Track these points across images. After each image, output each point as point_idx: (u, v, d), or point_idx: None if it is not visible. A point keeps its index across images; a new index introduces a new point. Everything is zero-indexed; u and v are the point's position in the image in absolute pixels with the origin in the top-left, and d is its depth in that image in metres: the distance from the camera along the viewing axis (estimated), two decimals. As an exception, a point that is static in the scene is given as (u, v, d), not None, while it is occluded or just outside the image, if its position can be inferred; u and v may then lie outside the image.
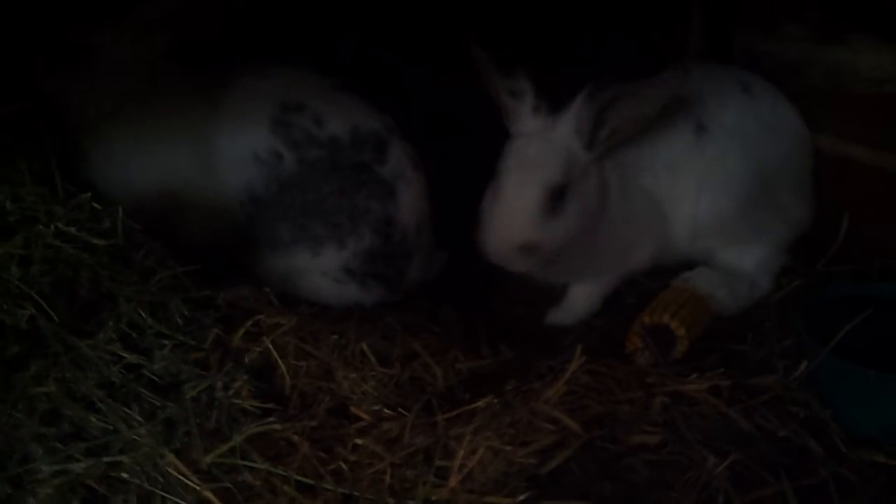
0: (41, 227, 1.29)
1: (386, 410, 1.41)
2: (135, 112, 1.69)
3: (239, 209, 1.71)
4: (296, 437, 1.31)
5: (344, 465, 1.38)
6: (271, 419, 1.31)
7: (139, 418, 1.18)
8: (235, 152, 1.69)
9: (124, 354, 1.30)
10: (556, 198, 1.62)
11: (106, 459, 1.11)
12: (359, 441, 1.34)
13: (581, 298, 1.91)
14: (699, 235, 1.88)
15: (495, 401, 1.44)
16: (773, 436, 1.49)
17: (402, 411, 1.42)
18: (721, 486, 1.36)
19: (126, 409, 1.18)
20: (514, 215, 1.60)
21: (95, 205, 1.41)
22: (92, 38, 1.67)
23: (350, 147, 1.71)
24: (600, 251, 1.77)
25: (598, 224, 1.72)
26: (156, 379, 1.31)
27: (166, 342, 1.38)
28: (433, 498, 1.38)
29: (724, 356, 1.66)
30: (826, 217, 2.01)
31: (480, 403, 1.43)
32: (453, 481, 1.39)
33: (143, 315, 1.36)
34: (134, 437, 1.14)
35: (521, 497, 1.37)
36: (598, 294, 1.90)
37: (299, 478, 1.32)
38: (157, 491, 1.17)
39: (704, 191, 1.84)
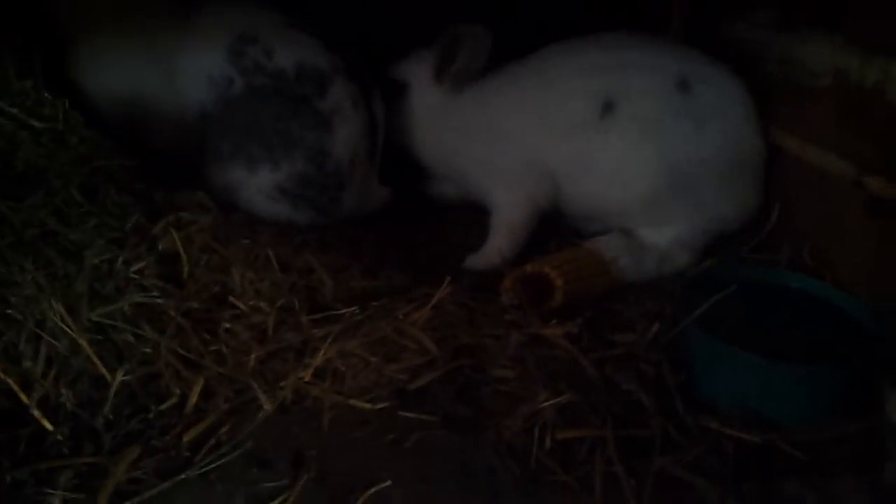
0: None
1: (262, 305, 1.60)
2: (114, 23, 1.91)
3: (193, 123, 1.93)
4: (172, 313, 1.53)
5: (225, 349, 1.60)
6: (155, 293, 1.52)
7: (30, 268, 1.41)
8: (194, 73, 1.90)
9: (48, 222, 1.54)
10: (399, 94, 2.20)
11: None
12: (228, 325, 1.54)
13: (493, 245, 2.05)
14: (604, 215, 2.04)
15: (357, 312, 1.61)
16: (616, 387, 1.61)
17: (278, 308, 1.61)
18: (548, 417, 1.50)
19: (21, 260, 1.42)
20: None
21: (44, 93, 1.64)
22: None
23: (293, 80, 1.89)
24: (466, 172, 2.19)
25: (454, 144, 2.17)
26: (70, 248, 1.55)
27: (92, 220, 1.61)
28: (303, 391, 1.58)
29: (598, 312, 1.78)
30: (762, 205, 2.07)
31: (344, 311, 1.61)
32: (322, 378, 1.58)
33: (76, 193, 1.59)
34: (19, 281, 1.37)
35: (381, 405, 1.56)
36: (509, 244, 2.04)
37: (179, 350, 1.54)
38: (44, 334, 1.40)
39: (610, 181, 1.97)
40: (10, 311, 1.36)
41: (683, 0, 2.30)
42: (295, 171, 1.93)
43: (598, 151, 1.97)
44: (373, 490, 1.37)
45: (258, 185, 1.95)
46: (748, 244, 2.02)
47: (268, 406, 1.52)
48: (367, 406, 1.55)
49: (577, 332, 1.64)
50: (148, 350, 1.52)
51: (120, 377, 1.41)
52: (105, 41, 1.92)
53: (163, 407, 1.48)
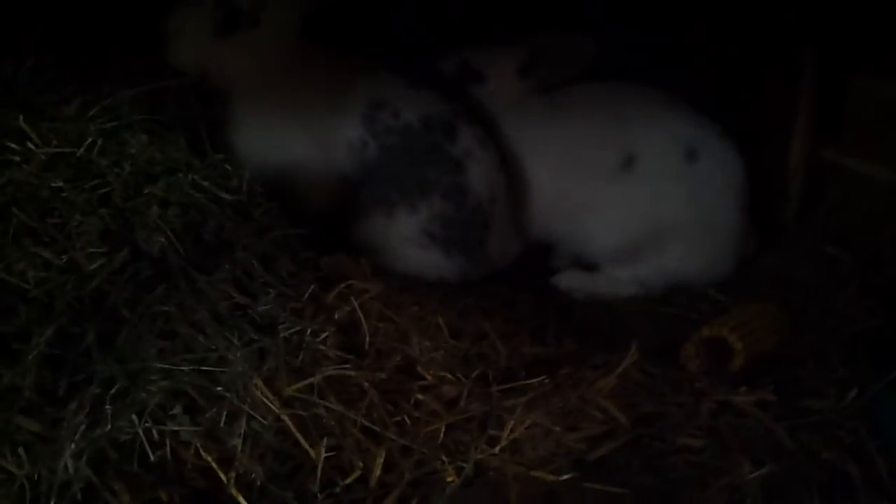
0: (180, 176, 1.55)
1: (448, 375, 1.57)
2: (271, 93, 1.97)
3: (338, 185, 2.02)
4: (366, 385, 1.50)
5: (407, 419, 1.57)
6: (347, 366, 1.50)
7: (237, 344, 1.40)
8: (339, 141, 1.99)
9: (234, 294, 1.53)
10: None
11: (203, 368, 1.34)
12: (420, 397, 1.51)
13: None
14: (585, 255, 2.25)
15: (547, 381, 1.57)
16: (815, 456, 1.55)
17: (463, 378, 1.58)
18: (752, 493, 1.45)
19: (228, 336, 1.41)
20: None
21: (227, 165, 1.66)
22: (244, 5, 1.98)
23: (422, 131, 1.99)
24: None
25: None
26: (257, 319, 1.53)
27: (271, 291, 1.60)
28: (483, 462, 1.54)
29: (781, 376, 1.72)
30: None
31: (533, 381, 1.57)
32: (503, 449, 1.54)
33: (255, 264, 1.59)
34: (231, 357, 1.36)
35: (566, 476, 1.51)
36: None
37: (365, 422, 1.51)
38: (245, 408, 1.38)
39: (608, 222, 2.15)
40: (219, 388, 1.34)
41: (814, 56, 2.29)
42: (436, 211, 1.98)
43: (614, 198, 2.13)
44: (580, 566, 1.33)
45: (404, 233, 1.99)
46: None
47: (453, 479, 1.48)
48: (551, 478, 1.51)
49: (772, 400, 1.59)
50: (333, 423, 1.50)
51: (323, 454, 1.39)
52: (260, 107, 1.98)
53: (348, 481, 1.45)
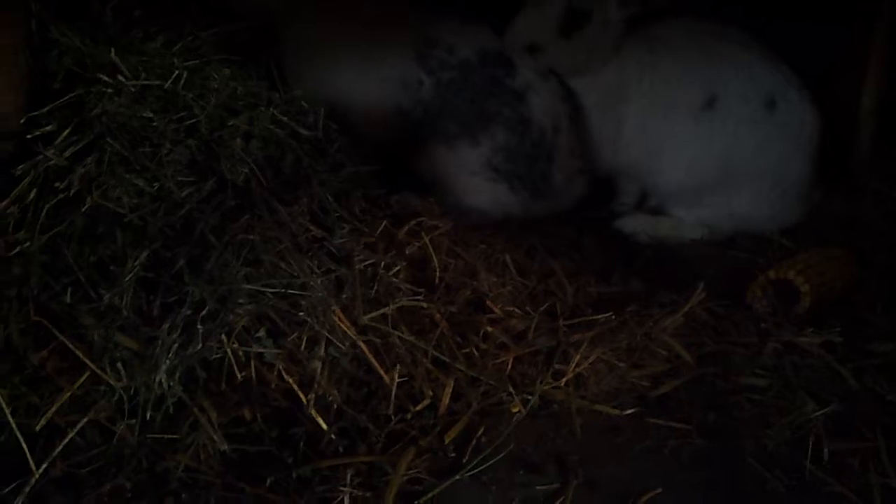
0: (261, 110, 1.60)
1: (516, 310, 1.62)
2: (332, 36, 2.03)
3: (397, 120, 2.07)
4: (437, 316, 1.55)
5: (475, 351, 1.62)
6: (419, 297, 1.55)
7: (317, 272, 1.46)
8: (395, 78, 2.05)
9: (312, 227, 1.59)
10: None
11: (288, 292, 1.40)
12: (489, 329, 1.56)
13: None
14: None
15: (613, 318, 1.61)
16: (880, 398, 1.57)
17: (531, 312, 1.62)
18: (815, 431, 1.47)
19: (309, 265, 1.47)
20: None
21: (304, 102, 1.71)
22: None
23: (479, 66, 2.02)
24: None
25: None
26: (333, 251, 1.59)
27: (346, 225, 1.65)
28: (548, 395, 1.59)
29: (847, 319, 1.73)
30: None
31: (600, 317, 1.61)
32: (568, 383, 1.59)
33: (331, 199, 1.64)
34: (312, 284, 1.42)
35: (629, 411, 1.55)
36: None
37: (436, 353, 1.56)
38: (324, 333, 1.45)
39: (681, 158, 2.19)
40: (301, 313, 1.41)
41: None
42: (497, 143, 2.01)
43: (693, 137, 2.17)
44: (646, 497, 1.37)
45: (467, 165, 2.03)
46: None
47: (519, 410, 1.53)
48: (615, 412, 1.55)
49: (838, 341, 1.60)
50: (405, 352, 1.56)
51: (396, 380, 1.45)
52: (319, 49, 2.03)
53: (419, 408, 1.51)
